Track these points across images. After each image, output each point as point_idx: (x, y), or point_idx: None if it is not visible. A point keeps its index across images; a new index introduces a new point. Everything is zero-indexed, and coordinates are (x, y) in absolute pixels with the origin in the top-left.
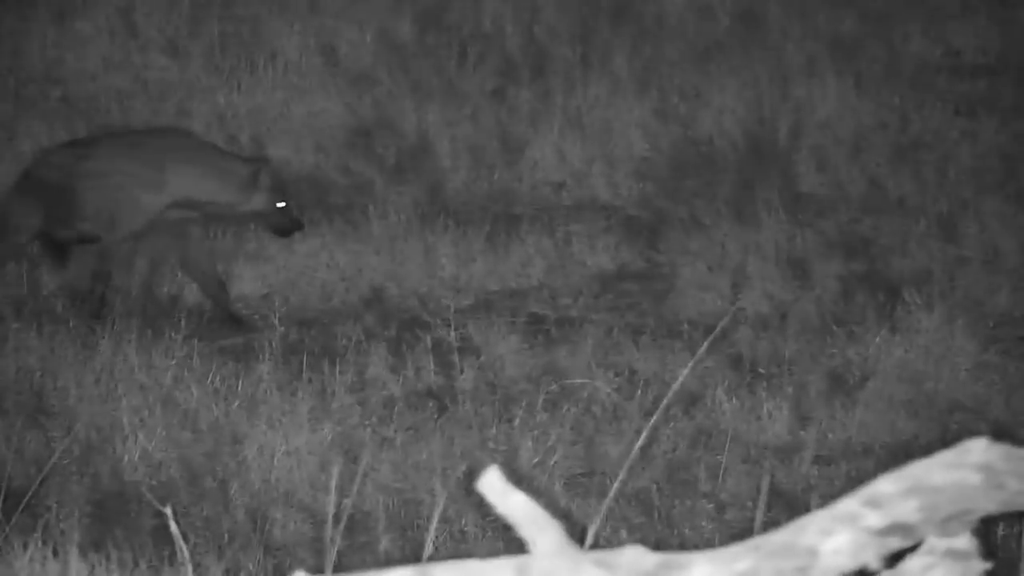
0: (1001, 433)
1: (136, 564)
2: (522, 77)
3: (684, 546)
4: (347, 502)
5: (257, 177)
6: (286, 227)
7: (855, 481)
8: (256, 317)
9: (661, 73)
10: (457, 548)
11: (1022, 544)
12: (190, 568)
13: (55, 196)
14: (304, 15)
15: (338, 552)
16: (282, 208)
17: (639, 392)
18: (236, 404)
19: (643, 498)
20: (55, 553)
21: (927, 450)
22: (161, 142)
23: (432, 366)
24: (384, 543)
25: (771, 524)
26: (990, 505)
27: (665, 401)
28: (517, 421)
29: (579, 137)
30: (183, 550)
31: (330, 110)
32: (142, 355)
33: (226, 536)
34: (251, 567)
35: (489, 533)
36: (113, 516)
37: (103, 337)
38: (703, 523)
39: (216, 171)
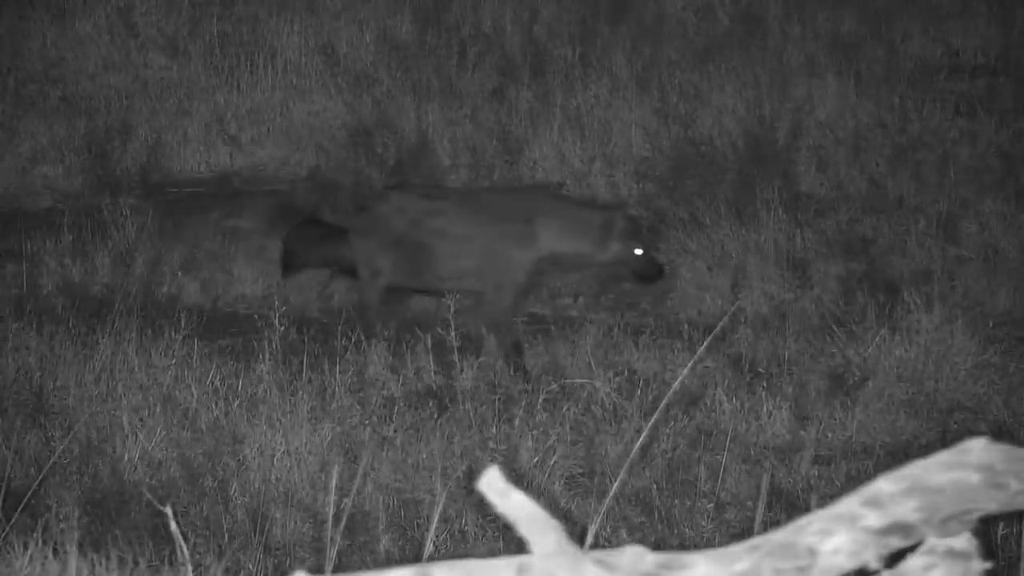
0: (1001, 433)
1: (136, 564)
2: (522, 77)
3: (684, 546)
4: (347, 502)
5: (610, 226)
6: (648, 274)
7: (855, 481)
8: (256, 317)
9: (661, 73)
10: (457, 548)
11: (1022, 544)
12: (190, 568)
13: (403, 246)
14: (304, 15)
15: (338, 552)
16: (640, 255)
17: (639, 392)
18: (236, 404)
19: (643, 498)
20: (55, 553)
21: (927, 450)
22: (523, 198)
23: (432, 366)
24: (384, 543)
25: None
26: (990, 505)
27: (665, 401)
28: (517, 421)
29: (579, 137)
30: (183, 550)
31: (330, 110)
32: (142, 355)
33: (226, 536)
34: (251, 567)
35: (489, 533)
36: (113, 516)
37: (103, 337)
38: (703, 523)
39: (575, 223)
